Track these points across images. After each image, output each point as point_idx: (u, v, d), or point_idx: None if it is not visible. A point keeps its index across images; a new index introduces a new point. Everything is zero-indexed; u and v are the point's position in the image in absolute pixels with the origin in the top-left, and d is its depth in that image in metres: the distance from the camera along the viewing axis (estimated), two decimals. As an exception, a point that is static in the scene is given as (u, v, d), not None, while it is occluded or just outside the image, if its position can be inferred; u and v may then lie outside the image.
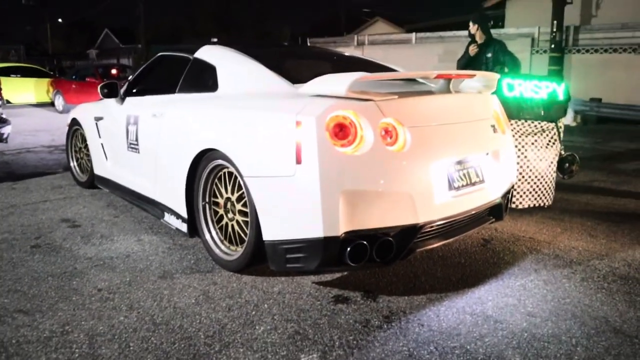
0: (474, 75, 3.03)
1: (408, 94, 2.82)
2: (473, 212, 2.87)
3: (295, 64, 3.59)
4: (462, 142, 2.84)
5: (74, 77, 14.54)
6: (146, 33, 28.73)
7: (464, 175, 2.81)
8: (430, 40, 16.02)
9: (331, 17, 42.74)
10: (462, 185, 2.78)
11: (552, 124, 4.29)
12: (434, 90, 3.04)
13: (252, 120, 2.75)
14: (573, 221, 4.09)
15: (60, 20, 49.90)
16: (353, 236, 2.44)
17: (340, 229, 2.41)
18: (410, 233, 2.56)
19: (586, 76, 12.27)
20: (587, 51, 12.59)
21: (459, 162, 2.80)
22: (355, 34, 23.61)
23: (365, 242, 2.46)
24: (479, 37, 5.23)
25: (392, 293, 2.75)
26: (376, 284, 2.88)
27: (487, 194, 2.97)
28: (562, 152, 4.43)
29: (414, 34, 16.71)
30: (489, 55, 5.11)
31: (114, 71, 14.69)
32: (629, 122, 11.24)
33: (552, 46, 12.09)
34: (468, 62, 5.28)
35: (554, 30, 11.97)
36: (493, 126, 3.09)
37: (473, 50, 5.21)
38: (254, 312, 2.55)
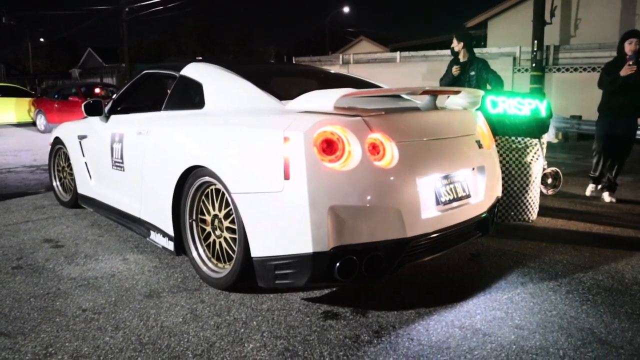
0: (460, 92, 3.08)
1: (395, 110, 2.85)
2: (460, 227, 2.89)
3: (282, 81, 3.62)
4: (449, 157, 2.87)
5: (56, 96, 14.44)
6: (129, 52, 28.73)
7: (451, 190, 2.84)
8: (414, 59, 16.25)
9: (316, 36, 43.16)
10: (449, 200, 2.80)
11: (535, 140, 4.36)
12: (420, 106, 3.08)
13: (240, 137, 2.75)
14: (557, 235, 4.14)
15: (42, 39, 49.64)
16: (342, 251, 2.44)
17: (329, 244, 2.41)
18: (399, 247, 2.56)
19: (566, 94, 12.53)
20: (567, 70, 12.87)
21: (446, 177, 2.83)
22: (340, 52, 23.88)
23: (354, 257, 2.46)
24: (463, 56, 5.32)
25: (382, 308, 2.75)
26: (365, 299, 2.87)
27: (474, 209, 2.99)
28: (546, 168, 4.50)
29: (398, 53, 16.94)
30: (472, 73, 5.19)
31: (97, 90, 14.63)
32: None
33: (534, 65, 12.33)
34: (452, 81, 5.35)
35: (535, 49, 12.23)
36: (478, 142, 3.13)
37: (456, 71, 5.28)
38: (242, 330, 2.52)
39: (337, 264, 2.43)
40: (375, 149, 2.54)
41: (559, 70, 13.00)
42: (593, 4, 13.72)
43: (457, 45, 5.38)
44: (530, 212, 4.43)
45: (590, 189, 5.73)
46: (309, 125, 2.45)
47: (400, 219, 2.53)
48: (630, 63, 4.99)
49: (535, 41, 12.28)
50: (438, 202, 2.74)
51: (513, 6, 15.51)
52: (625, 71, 5.01)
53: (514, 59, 13.69)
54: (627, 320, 2.64)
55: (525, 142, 4.30)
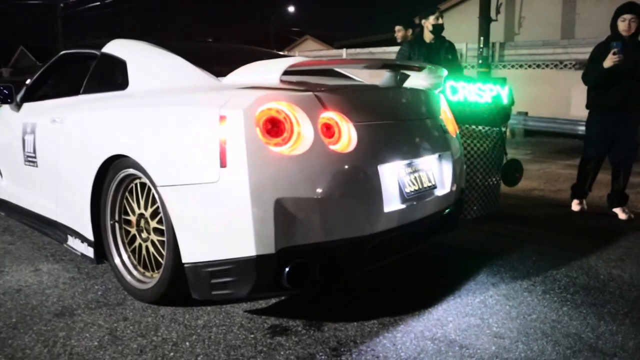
0: (423, 68, 2.72)
1: (351, 87, 2.47)
2: (426, 221, 2.54)
3: (219, 57, 3.15)
4: (413, 142, 2.52)
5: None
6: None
7: (416, 179, 2.48)
8: (360, 56, 16.00)
9: (261, 36, 42.54)
10: (414, 191, 2.44)
11: (497, 129, 4.10)
12: (379, 84, 2.70)
13: (166, 119, 2.29)
14: (521, 230, 3.89)
15: (-30, 37, 46.48)
16: (291, 254, 2.03)
17: (276, 246, 1.99)
18: (359, 247, 2.18)
19: (513, 90, 12.59)
20: (513, 67, 12.96)
21: (410, 165, 2.46)
22: (286, 51, 23.44)
23: (306, 261, 2.05)
24: (427, 35, 4.78)
25: (339, 319, 2.34)
26: (320, 309, 2.46)
27: (440, 201, 2.65)
28: (506, 159, 4.25)
29: (344, 50, 16.68)
30: (450, 57, 4.69)
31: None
32: (553, 135, 11.62)
33: (480, 62, 12.33)
34: (426, 57, 4.64)
35: (481, 46, 12.22)
36: (443, 126, 2.80)
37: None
38: (172, 354, 2.06)
39: (286, 269, 2.02)
40: (329, 130, 2.14)
41: (504, 67, 13.07)
42: (535, 3, 13.89)
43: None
44: (492, 206, 4.17)
45: (576, 204, 4.55)
46: (249, 102, 2.02)
47: (360, 214, 2.15)
48: (615, 51, 3.91)
49: (482, 38, 12.29)
50: (402, 193, 2.37)
51: (458, 4, 15.56)
52: (608, 62, 3.96)
53: (461, 55, 13.66)
54: (612, 322, 2.36)
55: (486, 131, 4.04)
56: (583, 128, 11.55)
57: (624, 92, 4.07)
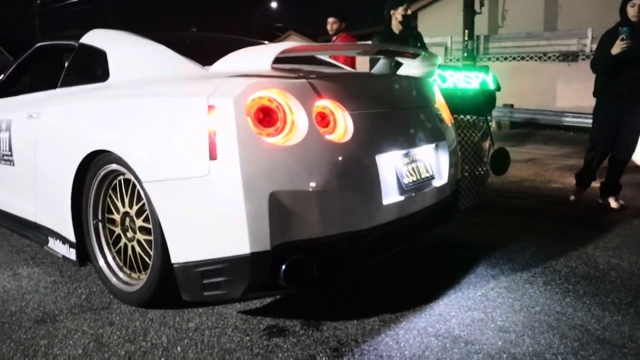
0: (418, 55, 2.62)
1: (346, 74, 2.36)
2: (424, 214, 2.45)
3: (204, 46, 3.02)
4: (410, 131, 2.42)
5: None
6: (43, 48, 26.65)
7: (414, 170, 2.38)
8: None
9: (244, 32, 42.27)
10: (412, 182, 2.35)
11: (483, 118, 4.04)
12: (374, 71, 2.60)
13: (150, 110, 2.16)
14: (515, 221, 3.83)
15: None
16: (288, 250, 1.92)
17: (271, 242, 1.88)
18: (357, 241, 2.08)
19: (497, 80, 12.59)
20: (497, 59, 12.98)
21: (407, 155, 2.36)
22: (269, 47, 23.18)
23: (303, 257, 1.95)
24: (396, 26, 4.72)
25: (338, 318, 2.24)
26: (317, 307, 2.36)
27: (438, 192, 2.56)
28: (494, 147, 4.18)
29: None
30: (420, 45, 4.68)
31: None
32: (539, 126, 11.65)
33: (465, 55, 12.30)
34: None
35: (466, 39, 12.20)
36: (439, 115, 2.71)
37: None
38: None
39: (283, 267, 1.91)
40: (324, 119, 2.03)
41: (489, 59, 13.08)
42: (518, -5, 13.93)
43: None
44: (483, 196, 4.10)
45: (573, 194, 4.50)
46: (239, 90, 1.90)
47: (359, 206, 2.05)
48: (624, 37, 3.78)
49: (466, 31, 12.26)
50: (400, 185, 2.27)
51: (442, -3, 15.52)
52: (616, 48, 3.84)
53: (446, 48, 13.65)
54: (617, 313, 2.29)
55: (474, 120, 3.97)
56: (568, 119, 11.58)
57: (631, 79, 3.95)
